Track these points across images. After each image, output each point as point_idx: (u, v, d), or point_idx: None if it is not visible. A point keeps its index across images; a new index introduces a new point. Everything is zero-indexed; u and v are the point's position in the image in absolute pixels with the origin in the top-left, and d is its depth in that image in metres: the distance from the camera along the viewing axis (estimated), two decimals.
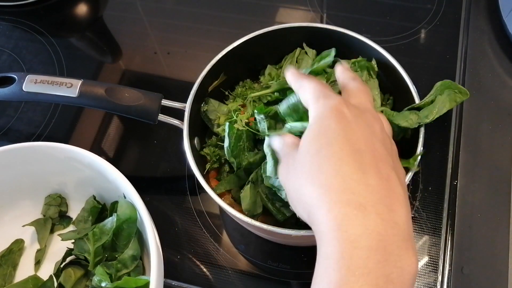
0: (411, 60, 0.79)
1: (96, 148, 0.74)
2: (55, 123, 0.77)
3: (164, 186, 0.71)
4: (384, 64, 0.61)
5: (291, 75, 0.46)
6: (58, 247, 0.63)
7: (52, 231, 0.65)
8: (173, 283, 0.62)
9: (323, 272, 0.33)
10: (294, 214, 0.53)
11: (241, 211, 0.54)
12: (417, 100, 0.56)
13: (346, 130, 0.37)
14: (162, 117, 0.60)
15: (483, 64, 0.77)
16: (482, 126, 0.71)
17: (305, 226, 0.55)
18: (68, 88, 0.59)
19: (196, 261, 0.63)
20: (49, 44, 0.85)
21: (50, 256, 0.64)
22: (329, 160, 0.35)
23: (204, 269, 0.63)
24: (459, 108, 0.72)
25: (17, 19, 0.88)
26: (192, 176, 0.58)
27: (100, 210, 0.63)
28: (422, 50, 0.80)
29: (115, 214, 0.57)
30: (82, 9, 0.91)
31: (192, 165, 0.55)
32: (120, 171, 0.57)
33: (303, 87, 0.43)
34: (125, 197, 0.57)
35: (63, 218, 0.66)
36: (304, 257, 0.63)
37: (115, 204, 0.61)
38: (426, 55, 0.80)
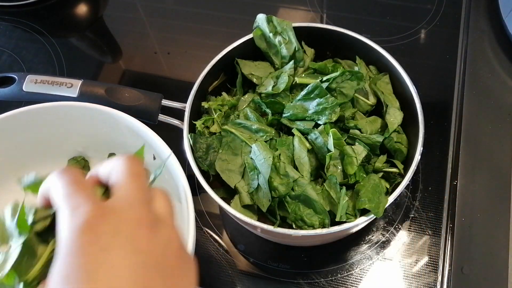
0: (411, 60, 0.79)
1: None
2: None
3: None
4: (384, 64, 0.61)
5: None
6: None
7: None
8: None
9: None
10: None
11: (241, 212, 0.54)
12: (417, 100, 0.56)
13: (105, 262, 0.28)
14: (162, 117, 0.60)
15: (483, 64, 0.77)
16: (482, 126, 0.71)
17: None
18: (68, 88, 0.59)
19: (196, 261, 0.63)
20: (49, 44, 0.85)
21: None
22: None
23: (204, 269, 0.63)
24: (459, 108, 0.73)
25: (17, 19, 0.88)
26: (192, 176, 0.58)
27: None
28: (422, 50, 0.80)
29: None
30: (82, 9, 0.91)
31: (192, 165, 0.55)
32: None
33: (54, 188, 0.32)
34: (154, 158, 0.57)
35: None
36: (304, 257, 0.63)
37: None
38: (426, 55, 0.80)
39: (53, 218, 0.34)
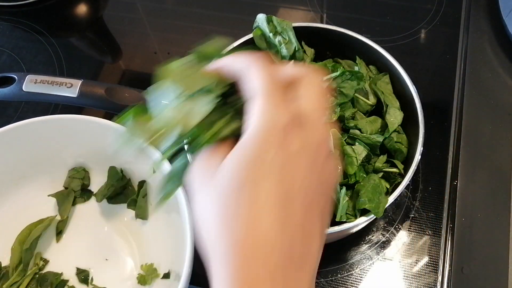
0: (411, 60, 0.79)
1: None
2: None
3: None
4: (384, 64, 0.61)
5: (239, 55, 0.34)
6: (79, 220, 0.66)
7: (73, 203, 0.66)
8: None
9: None
10: None
11: None
12: (417, 100, 0.56)
13: (285, 166, 0.30)
14: None
15: (483, 64, 0.77)
16: (482, 126, 0.71)
17: None
18: (68, 88, 0.59)
19: (196, 261, 0.63)
20: (49, 44, 0.85)
21: (72, 227, 0.65)
22: (250, 205, 0.29)
23: (204, 269, 0.63)
24: (459, 108, 0.73)
25: (17, 19, 0.88)
26: None
27: (124, 185, 0.65)
28: (422, 50, 0.80)
29: None
30: (82, 9, 0.91)
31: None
32: None
33: (252, 74, 0.32)
34: (154, 172, 0.59)
35: (84, 191, 0.67)
36: None
37: (142, 183, 0.62)
38: (426, 55, 0.80)
39: (228, 90, 0.33)
